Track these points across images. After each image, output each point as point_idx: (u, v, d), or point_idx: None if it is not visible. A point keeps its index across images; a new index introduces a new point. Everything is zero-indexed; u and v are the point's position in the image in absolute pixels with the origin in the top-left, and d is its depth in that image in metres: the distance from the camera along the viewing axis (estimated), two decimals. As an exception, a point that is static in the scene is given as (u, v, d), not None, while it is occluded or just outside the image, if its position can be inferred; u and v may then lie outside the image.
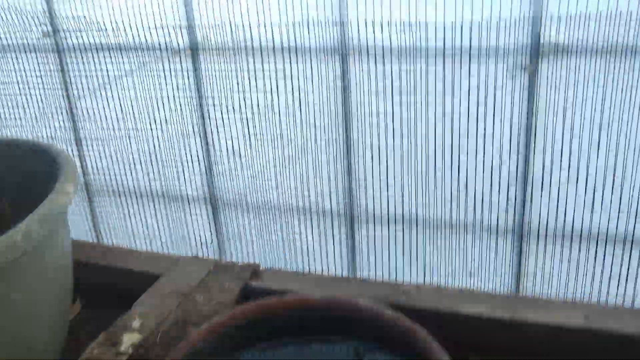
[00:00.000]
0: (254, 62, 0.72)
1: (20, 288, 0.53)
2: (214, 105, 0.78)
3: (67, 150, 0.85)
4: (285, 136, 0.74)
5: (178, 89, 0.77)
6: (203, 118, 0.79)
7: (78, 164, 0.87)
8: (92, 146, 0.85)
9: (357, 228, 0.76)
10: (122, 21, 0.76)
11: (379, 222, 0.75)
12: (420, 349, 0.57)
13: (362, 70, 0.67)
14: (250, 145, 0.78)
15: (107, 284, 0.79)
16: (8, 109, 0.88)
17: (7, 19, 0.81)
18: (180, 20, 0.74)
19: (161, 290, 0.73)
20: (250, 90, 0.73)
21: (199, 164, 0.81)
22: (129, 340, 0.64)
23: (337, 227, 0.76)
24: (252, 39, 0.71)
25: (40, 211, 0.53)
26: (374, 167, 0.72)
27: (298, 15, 0.67)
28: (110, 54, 0.78)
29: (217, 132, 0.79)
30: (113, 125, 0.83)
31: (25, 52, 0.82)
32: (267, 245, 0.82)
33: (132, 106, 0.81)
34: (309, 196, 0.76)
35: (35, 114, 0.85)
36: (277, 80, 0.71)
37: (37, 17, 0.80)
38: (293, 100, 0.71)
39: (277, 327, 0.63)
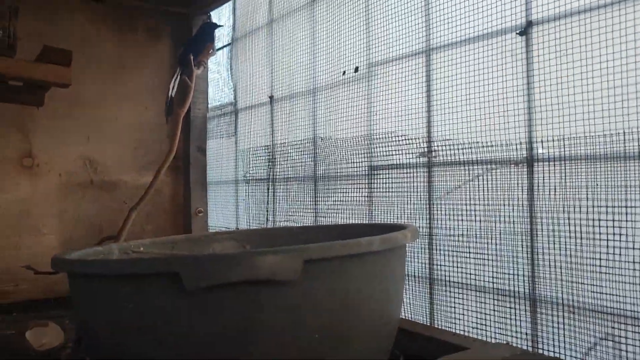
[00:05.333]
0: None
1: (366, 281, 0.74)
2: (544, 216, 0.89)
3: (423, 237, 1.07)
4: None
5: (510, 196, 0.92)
6: (531, 221, 0.90)
7: (428, 255, 1.07)
8: (442, 239, 1.04)
9: None
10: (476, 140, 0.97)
11: None
12: None
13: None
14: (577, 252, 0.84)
15: (426, 351, 0.93)
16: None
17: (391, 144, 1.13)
18: (519, 137, 0.91)
19: (466, 356, 0.83)
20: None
21: (525, 263, 0.91)
22: (427, 373, 0.75)
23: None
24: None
25: (384, 235, 0.74)
26: None
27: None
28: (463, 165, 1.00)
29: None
30: (462, 224, 1.01)
31: (407, 167, 1.12)
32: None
33: (477, 208, 0.98)
34: None
35: (402, 209, 1.11)
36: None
37: (419, 140, 1.09)
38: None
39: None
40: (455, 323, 1.02)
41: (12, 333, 1.19)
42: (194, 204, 1.88)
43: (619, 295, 0.77)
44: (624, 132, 0.76)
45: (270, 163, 1.57)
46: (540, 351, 0.88)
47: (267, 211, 1.58)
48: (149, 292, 0.69)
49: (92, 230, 1.73)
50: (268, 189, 1.58)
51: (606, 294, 0.79)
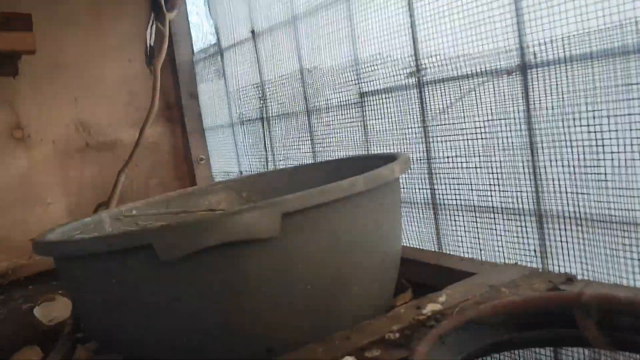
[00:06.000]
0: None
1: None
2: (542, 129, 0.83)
3: (421, 163, 1.02)
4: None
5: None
6: (530, 134, 0.84)
7: (428, 181, 1.02)
8: (440, 163, 0.99)
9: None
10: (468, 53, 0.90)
11: None
12: None
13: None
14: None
15: (434, 279, 0.90)
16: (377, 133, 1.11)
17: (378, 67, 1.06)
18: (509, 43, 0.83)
19: (473, 282, 0.79)
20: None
21: (527, 178, 0.86)
22: (431, 307, 0.72)
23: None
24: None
25: (367, 175, 0.70)
26: None
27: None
28: (456, 81, 0.93)
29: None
30: (460, 144, 0.95)
31: (391, 91, 1.05)
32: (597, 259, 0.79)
33: (473, 125, 0.92)
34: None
35: (397, 136, 1.06)
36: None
37: (405, 60, 1.01)
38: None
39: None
40: (462, 246, 0.98)
41: (29, 307, 1.19)
42: (194, 152, 1.84)
43: (627, 204, 0.72)
44: (621, 25, 0.68)
45: (262, 101, 1.51)
46: (550, 267, 0.84)
47: (266, 151, 1.54)
48: (129, 266, 0.66)
49: (97, 193, 1.71)
50: (263, 128, 1.53)
51: (613, 202, 0.74)
